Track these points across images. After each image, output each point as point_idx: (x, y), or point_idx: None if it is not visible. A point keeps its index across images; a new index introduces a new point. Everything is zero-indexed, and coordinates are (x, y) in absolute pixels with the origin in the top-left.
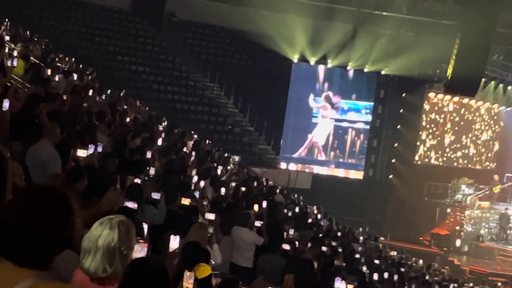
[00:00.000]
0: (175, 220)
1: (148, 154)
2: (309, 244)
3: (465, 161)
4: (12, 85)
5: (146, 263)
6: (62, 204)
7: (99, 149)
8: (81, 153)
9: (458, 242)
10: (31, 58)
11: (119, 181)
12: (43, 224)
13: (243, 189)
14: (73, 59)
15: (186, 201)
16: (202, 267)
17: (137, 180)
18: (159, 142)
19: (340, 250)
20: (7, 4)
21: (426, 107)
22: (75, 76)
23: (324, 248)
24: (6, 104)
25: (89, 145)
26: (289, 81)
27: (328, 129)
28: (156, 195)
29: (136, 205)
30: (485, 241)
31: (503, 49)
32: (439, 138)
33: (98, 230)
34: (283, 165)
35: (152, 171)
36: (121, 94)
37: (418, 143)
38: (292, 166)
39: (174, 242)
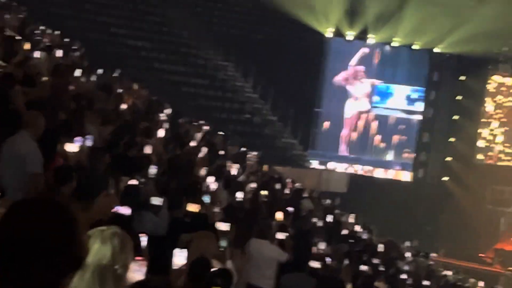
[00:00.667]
0: (180, 230)
1: (147, 149)
2: (344, 261)
3: None
4: None
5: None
6: (65, 217)
7: (88, 143)
8: (71, 147)
9: None
10: (6, 30)
11: (112, 183)
12: (45, 245)
13: (263, 193)
14: (57, 32)
15: (194, 208)
16: None
17: (134, 182)
18: (161, 133)
19: (382, 269)
20: None
21: (490, 93)
22: (59, 53)
23: (362, 267)
24: None
25: (76, 138)
26: (321, 60)
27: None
28: (157, 200)
29: (129, 211)
30: None
31: None
32: (506, 132)
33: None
34: (313, 164)
35: (152, 170)
36: (115, 75)
37: (479, 138)
38: (326, 165)
39: (180, 257)
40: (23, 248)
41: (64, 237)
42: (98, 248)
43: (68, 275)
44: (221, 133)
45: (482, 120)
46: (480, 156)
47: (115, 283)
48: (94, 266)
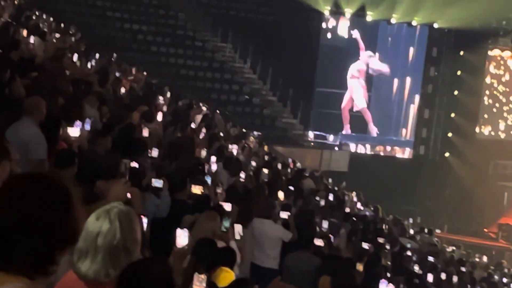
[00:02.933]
0: (182, 212)
1: (145, 132)
2: (348, 240)
3: None
4: None
5: (145, 267)
6: (59, 192)
7: (87, 127)
8: (73, 132)
9: None
10: (1, 16)
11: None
12: (39, 219)
13: (264, 172)
14: (53, 17)
15: (197, 189)
16: (225, 273)
17: (135, 164)
18: (160, 117)
19: (387, 247)
20: None
21: (490, 67)
22: (56, 37)
23: (365, 245)
24: None
25: (77, 122)
26: (319, 39)
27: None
28: (158, 182)
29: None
30: None
31: None
32: (507, 106)
33: (95, 226)
34: (314, 143)
35: (154, 152)
36: (113, 59)
37: (480, 112)
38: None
39: (182, 238)
40: (17, 221)
41: (59, 211)
42: (108, 229)
43: (63, 249)
44: (220, 114)
45: (483, 94)
46: (482, 131)
47: (128, 261)
48: (105, 248)
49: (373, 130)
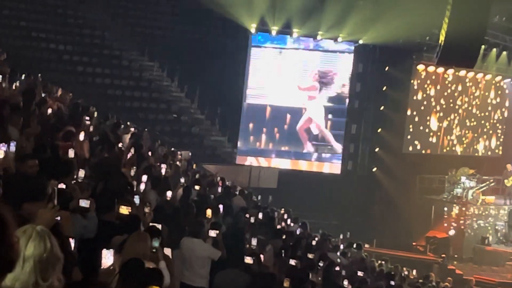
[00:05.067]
0: (110, 232)
1: (71, 153)
2: (278, 257)
3: (465, 147)
4: None
5: None
6: None
7: (12, 149)
8: None
9: (459, 247)
10: None
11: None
12: None
13: (193, 191)
14: None
15: (125, 210)
16: None
17: (62, 186)
18: (81, 137)
19: (316, 262)
20: None
21: (415, 82)
22: None
23: (295, 262)
24: None
25: (1, 144)
26: (247, 56)
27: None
28: (84, 203)
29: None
30: (492, 244)
31: (506, 9)
32: (431, 120)
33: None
34: (242, 161)
35: (80, 173)
36: (39, 80)
37: (406, 127)
38: (250, 161)
39: (108, 258)
40: None
41: None
42: (38, 243)
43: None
44: (149, 133)
45: (408, 109)
46: (407, 146)
47: (55, 274)
48: (34, 260)
49: (306, 146)
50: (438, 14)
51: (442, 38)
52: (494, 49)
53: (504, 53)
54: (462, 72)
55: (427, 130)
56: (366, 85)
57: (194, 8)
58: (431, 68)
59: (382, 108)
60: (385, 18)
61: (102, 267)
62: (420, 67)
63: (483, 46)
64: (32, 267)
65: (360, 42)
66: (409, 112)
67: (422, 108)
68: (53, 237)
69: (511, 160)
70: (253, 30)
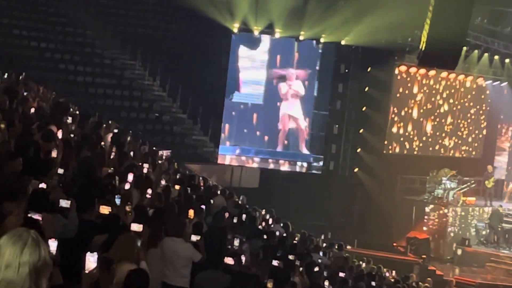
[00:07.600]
0: (91, 232)
1: (53, 153)
2: (259, 257)
3: (446, 148)
4: None
5: None
6: None
7: None
8: None
9: (439, 247)
10: None
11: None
12: None
13: (175, 190)
14: None
15: (105, 209)
16: None
17: (43, 185)
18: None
19: (297, 263)
20: None
21: (397, 83)
22: None
23: (276, 262)
24: None
25: None
26: (229, 56)
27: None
28: (65, 203)
29: (40, 217)
30: (473, 245)
31: (488, 10)
32: (413, 121)
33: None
34: (224, 160)
35: (60, 172)
36: (20, 78)
37: (388, 128)
38: (230, 160)
39: (91, 262)
40: None
41: None
42: (33, 250)
43: None
44: (130, 132)
45: (390, 110)
46: (389, 146)
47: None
48: (30, 267)
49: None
50: (420, 16)
51: (423, 39)
52: (476, 51)
53: (486, 54)
54: (444, 74)
55: (408, 131)
56: (348, 86)
57: (177, 8)
58: (413, 69)
59: (364, 108)
60: (367, 19)
61: (85, 271)
62: (402, 68)
63: (464, 48)
64: (27, 274)
65: (342, 42)
66: (391, 113)
67: (404, 109)
68: (44, 243)
69: (491, 162)
70: (235, 30)
